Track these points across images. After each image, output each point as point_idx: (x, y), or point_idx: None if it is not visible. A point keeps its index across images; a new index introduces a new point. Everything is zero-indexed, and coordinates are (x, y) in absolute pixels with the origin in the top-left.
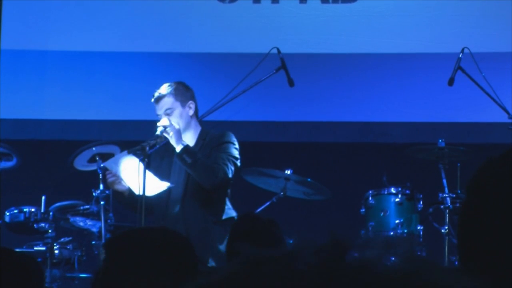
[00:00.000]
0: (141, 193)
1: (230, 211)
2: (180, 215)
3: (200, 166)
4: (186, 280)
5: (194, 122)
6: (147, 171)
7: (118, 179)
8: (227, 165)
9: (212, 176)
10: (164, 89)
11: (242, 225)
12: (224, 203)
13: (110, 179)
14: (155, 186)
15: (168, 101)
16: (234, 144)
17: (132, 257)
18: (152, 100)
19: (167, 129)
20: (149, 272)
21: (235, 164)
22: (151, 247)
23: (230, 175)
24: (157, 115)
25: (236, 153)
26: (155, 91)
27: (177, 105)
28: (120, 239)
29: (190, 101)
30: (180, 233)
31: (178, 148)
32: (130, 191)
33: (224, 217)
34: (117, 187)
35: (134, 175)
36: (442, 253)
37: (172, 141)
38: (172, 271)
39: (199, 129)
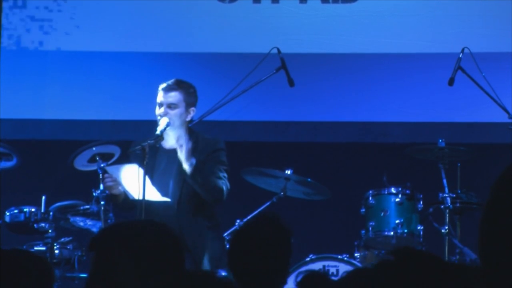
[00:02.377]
0: (139, 197)
1: (217, 217)
2: (175, 219)
3: (208, 186)
4: (175, 271)
5: (186, 126)
6: (147, 180)
7: (117, 183)
8: (226, 178)
9: (219, 194)
10: (179, 83)
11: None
12: (214, 210)
13: (108, 183)
14: (152, 194)
15: (176, 97)
16: (225, 151)
17: (121, 249)
18: (163, 86)
19: (182, 146)
20: (138, 264)
21: (228, 173)
22: (138, 239)
23: (229, 186)
24: (158, 102)
25: (226, 160)
26: (169, 80)
27: (182, 105)
28: (107, 233)
29: (193, 108)
30: (165, 224)
31: (187, 166)
32: (125, 195)
33: (214, 222)
34: (114, 191)
35: (134, 181)
36: (442, 253)
37: (181, 156)
38: (160, 261)
39: (187, 131)
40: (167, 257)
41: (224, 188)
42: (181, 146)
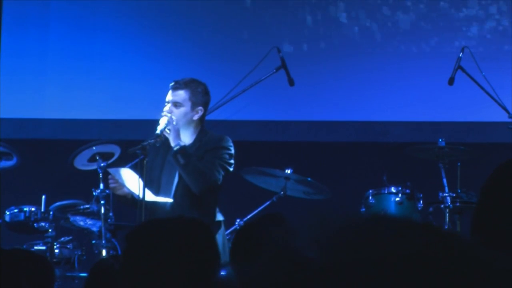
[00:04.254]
0: (138, 197)
1: (218, 215)
2: (169, 216)
3: (192, 169)
4: (208, 270)
5: (195, 125)
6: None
7: (120, 185)
8: (218, 171)
9: (202, 181)
10: (187, 82)
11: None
12: (213, 207)
13: (112, 185)
14: (150, 196)
15: (181, 95)
16: (230, 150)
17: (155, 248)
18: (172, 84)
19: (167, 127)
20: (171, 262)
21: (226, 170)
22: (173, 236)
23: (220, 182)
24: (166, 101)
25: (229, 159)
26: (179, 79)
27: (188, 104)
28: (142, 230)
29: (200, 107)
30: (201, 221)
31: (174, 147)
32: (132, 195)
33: (214, 221)
34: (118, 192)
35: (135, 182)
36: None
37: (170, 139)
38: (194, 261)
39: (198, 130)
40: (199, 257)
41: (212, 178)
42: (169, 130)
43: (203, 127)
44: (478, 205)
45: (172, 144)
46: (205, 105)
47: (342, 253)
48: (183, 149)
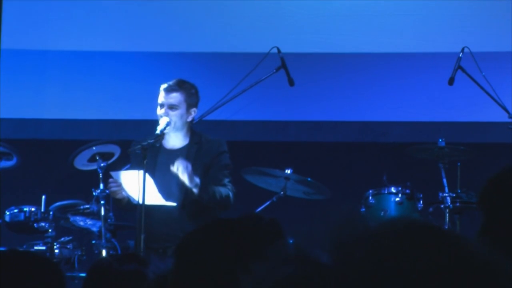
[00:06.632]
0: (139, 201)
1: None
2: (178, 223)
3: (217, 199)
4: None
5: (187, 126)
6: (153, 184)
7: (121, 189)
8: (231, 182)
9: (226, 202)
10: (181, 84)
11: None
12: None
13: (113, 188)
14: (155, 198)
15: (177, 98)
16: (228, 152)
17: (206, 256)
18: (164, 87)
19: (180, 168)
20: (225, 268)
21: (232, 174)
22: (224, 243)
23: (235, 190)
24: (159, 103)
25: (230, 162)
26: (170, 81)
27: (183, 106)
28: (190, 241)
29: (194, 108)
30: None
31: (193, 188)
32: (128, 198)
33: None
34: (118, 196)
35: (137, 186)
36: None
37: (185, 180)
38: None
39: (190, 132)
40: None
41: (231, 194)
42: (183, 174)
43: (192, 128)
44: (485, 216)
45: (191, 185)
46: (197, 105)
47: (361, 262)
48: (203, 185)
